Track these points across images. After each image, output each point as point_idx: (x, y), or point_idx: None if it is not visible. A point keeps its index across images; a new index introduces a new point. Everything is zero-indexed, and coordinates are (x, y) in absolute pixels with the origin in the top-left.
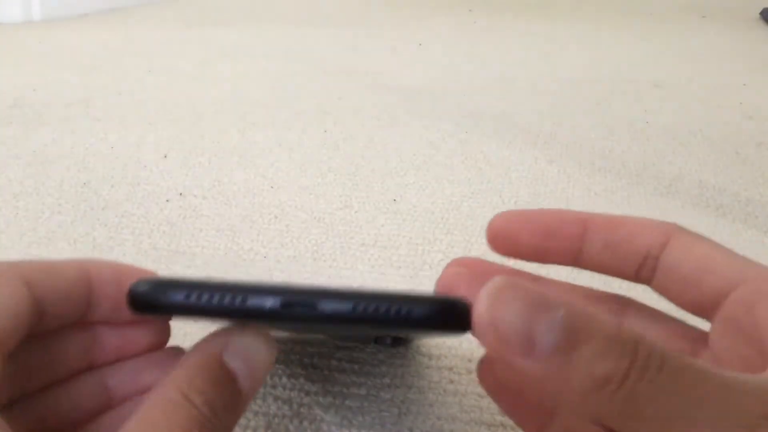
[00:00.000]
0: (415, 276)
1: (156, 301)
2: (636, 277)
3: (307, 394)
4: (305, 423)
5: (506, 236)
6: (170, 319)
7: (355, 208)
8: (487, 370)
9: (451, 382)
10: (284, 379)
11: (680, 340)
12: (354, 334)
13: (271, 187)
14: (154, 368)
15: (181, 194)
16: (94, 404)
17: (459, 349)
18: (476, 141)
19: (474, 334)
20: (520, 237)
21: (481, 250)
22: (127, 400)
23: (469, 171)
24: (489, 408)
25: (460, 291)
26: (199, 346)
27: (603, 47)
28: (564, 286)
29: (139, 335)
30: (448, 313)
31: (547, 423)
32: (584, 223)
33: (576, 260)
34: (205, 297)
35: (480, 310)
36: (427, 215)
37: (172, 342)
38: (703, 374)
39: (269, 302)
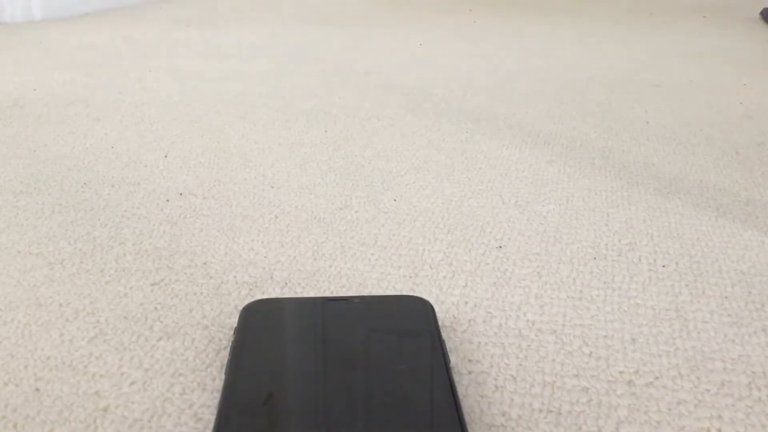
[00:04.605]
0: (415, 276)
1: None
2: None
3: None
4: None
5: None
6: None
7: (355, 208)
8: None
9: None
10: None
11: None
12: None
13: (271, 187)
14: None
15: (181, 194)
16: None
17: (459, 350)
18: (476, 141)
19: None
20: None
21: (480, 250)
22: None
23: (469, 171)
24: (489, 408)
25: None
26: None
27: (603, 47)
28: None
29: None
30: None
31: None
32: None
33: None
34: None
35: None
36: (427, 215)
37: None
38: None
39: None
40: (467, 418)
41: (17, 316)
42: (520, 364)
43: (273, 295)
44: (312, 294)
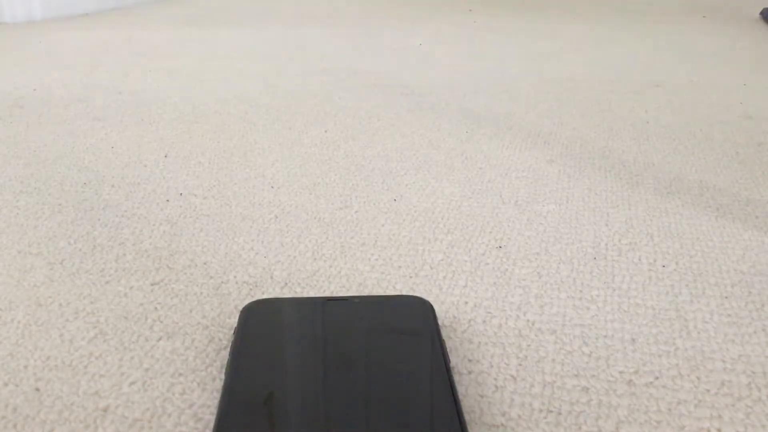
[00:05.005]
0: (415, 276)
1: None
2: None
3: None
4: None
5: None
6: None
7: (355, 208)
8: None
9: None
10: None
11: None
12: None
13: (271, 187)
14: None
15: (181, 194)
16: None
17: (459, 349)
18: (476, 141)
19: None
20: None
21: (480, 250)
22: None
23: (469, 171)
24: (489, 408)
25: None
26: None
27: (603, 47)
28: None
29: None
30: None
31: None
32: None
33: None
34: None
35: None
36: (427, 215)
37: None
38: None
39: None
40: (467, 418)
41: (17, 316)
42: (520, 364)
43: (273, 295)
44: (312, 294)
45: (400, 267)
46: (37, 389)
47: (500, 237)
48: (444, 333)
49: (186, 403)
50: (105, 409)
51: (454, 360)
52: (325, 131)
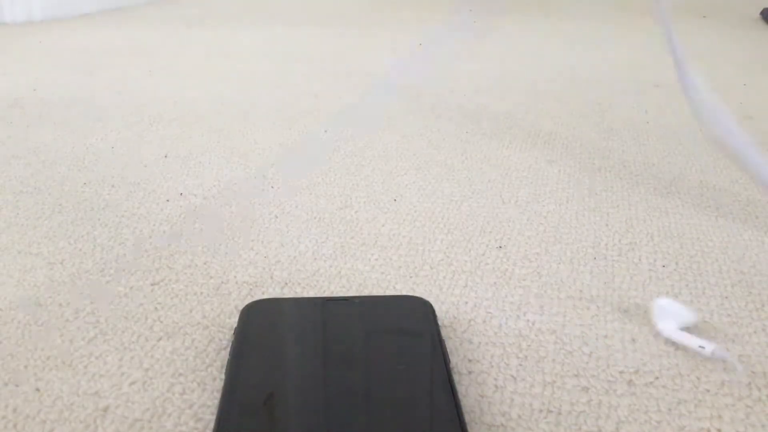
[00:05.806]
0: (415, 276)
1: None
2: None
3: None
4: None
5: None
6: None
7: (355, 208)
8: None
9: None
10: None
11: None
12: None
13: (271, 187)
14: None
15: (181, 194)
16: None
17: (459, 350)
18: (476, 141)
19: None
20: None
21: (480, 249)
22: None
23: (469, 171)
24: (489, 408)
25: None
26: None
27: (603, 47)
28: None
29: None
30: None
31: None
32: None
33: None
34: None
35: None
36: (427, 215)
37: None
38: None
39: None
40: (467, 418)
41: (17, 316)
42: (520, 364)
43: (273, 295)
44: (312, 294)
45: (400, 267)
46: (37, 389)
47: (500, 237)
48: (444, 333)
49: (186, 403)
50: (105, 409)
51: (454, 360)
52: (325, 131)
